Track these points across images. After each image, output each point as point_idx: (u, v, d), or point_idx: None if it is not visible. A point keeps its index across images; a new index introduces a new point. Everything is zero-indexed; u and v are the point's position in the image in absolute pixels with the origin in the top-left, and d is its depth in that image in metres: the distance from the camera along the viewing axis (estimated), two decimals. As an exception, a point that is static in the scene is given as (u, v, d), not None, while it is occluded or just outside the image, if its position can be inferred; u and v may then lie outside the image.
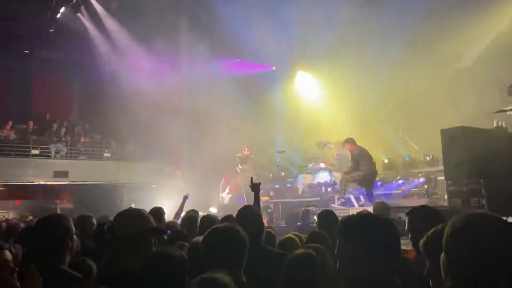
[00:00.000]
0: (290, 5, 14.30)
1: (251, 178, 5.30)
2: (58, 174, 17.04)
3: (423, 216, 2.92)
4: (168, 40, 16.31)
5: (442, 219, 2.72)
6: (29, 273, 2.29)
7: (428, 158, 11.94)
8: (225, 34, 15.81)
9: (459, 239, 1.43)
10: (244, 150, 13.56)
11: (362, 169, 10.26)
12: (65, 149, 18.04)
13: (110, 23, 17.43)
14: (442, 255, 1.53)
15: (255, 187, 5.06)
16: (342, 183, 10.79)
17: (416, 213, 3.00)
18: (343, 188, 10.72)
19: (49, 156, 17.61)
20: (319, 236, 3.89)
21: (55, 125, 18.52)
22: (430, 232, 2.26)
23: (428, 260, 2.27)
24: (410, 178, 12.33)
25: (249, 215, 3.58)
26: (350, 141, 10.48)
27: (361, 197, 11.77)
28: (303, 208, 8.87)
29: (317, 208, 10.29)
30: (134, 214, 2.64)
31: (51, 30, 17.01)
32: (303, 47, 15.42)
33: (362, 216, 1.98)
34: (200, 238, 2.94)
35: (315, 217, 9.66)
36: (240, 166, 13.52)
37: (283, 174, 14.26)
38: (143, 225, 2.54)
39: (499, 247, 1.36)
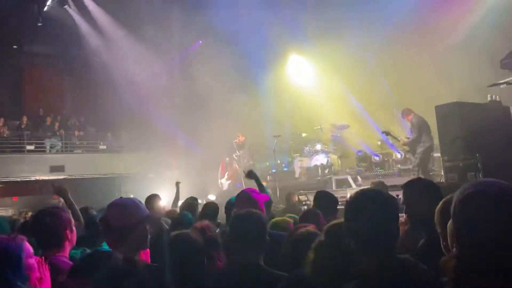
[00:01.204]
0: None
1: (243, 171, 5.28)
2: (54, 169, 16.99)
3: (419, 188, 2.88)
4: (159, 29, 16.14)
5: (439, 191, 2.71)
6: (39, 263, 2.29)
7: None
8: (216, 20, 15.63)
9: (470, 204, 1.40)
10: (239, 136, 13.55)
11: (424, 140, 9.57)
12: (60, 144, 17.96)
13: (98, 14, 17.22)
14: (450, 222, 1.52)
15: (251, 175, 5.04)
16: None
17: (411, 185, 2.95)
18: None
19: (44, 151, 17.54)
20: (311, 215, 3.90)
21: (48, 120, 18.40)
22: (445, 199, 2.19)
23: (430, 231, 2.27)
24: (386, 158, 12.44)
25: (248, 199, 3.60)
26: (407, 111, 9.85)
27: (358, 177, 11.84)
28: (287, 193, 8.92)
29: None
30: (126, 204, 2.60)
31: (39, 24, 16.77)
32: (295, 30, 15.32)
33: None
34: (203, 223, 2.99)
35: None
36: (237, 152, 13.53)
37: (278, 161, 14.24)
38: (136, 214, 2.51)
39: (509, 214, 1.34)
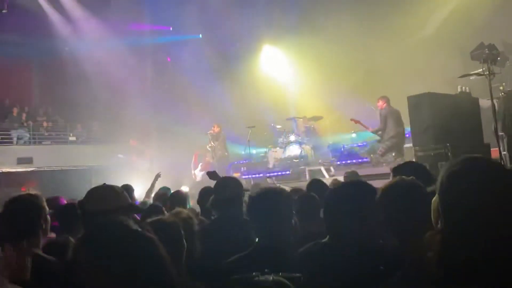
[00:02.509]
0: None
1: (206, 173, 5.23)
2: (22, 161, 16.55)
3: (410, 172, 2.89)
4: (131, 18, 15.87)
5: (429, 174, 2.72)
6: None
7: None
8: (187, 8, 15.45)
9: (458, 180, 1.41)
10: (214, 127, 13.46)
11: (390, 129, 9.89)
12: (28, 135, 17.48)
13: (68, 2, 16.79)
14: (435, 198, 1.52)
15: (213, 176, 5.01)
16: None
17: (401, 168, 2.95)
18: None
19: (11, 143, 17.04)
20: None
21: (15, 110, 17.87)
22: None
23: None
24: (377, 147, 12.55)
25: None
26: (382, 99, 10.12)
27: (331, 168, 11.92)
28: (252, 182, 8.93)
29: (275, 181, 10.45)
30: (105, 190, 2.55)
31: (4, 11, 16.21)
32: (268, 21, 15.29)
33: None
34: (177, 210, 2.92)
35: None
36: (211, 143, 13.43)
37: (254, 152, 14.25)
38: (114, 201, 2.46)
39: (499, 189, 1.36)
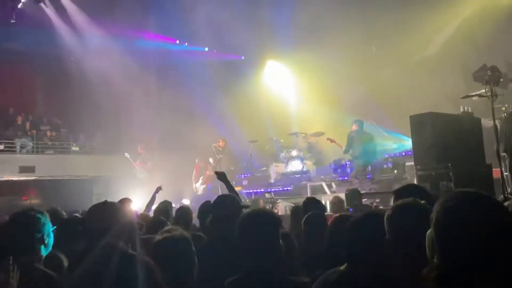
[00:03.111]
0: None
1: (215, 172, 5.25)
2: (24, 169, 16.58)
3: (411, 195, 2.90)
4: (136, 30, 16.01)
5: (430, 197, 2.73)
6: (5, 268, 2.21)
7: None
8: (193, 23, 15.60)
9: (453, 215, 1.43)
10: (219, 142, 13.44)
11: (353, 152, 10.84)
12: (31, 144, 17.54)
13: (75, 13, 16.96)
14: (428, 232, 1.54)
15: (220, 177, 4.97)
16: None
17: (403, 191, 2.95)
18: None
19: (14, 151, 17.09)
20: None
21: (19, 119, 17.95)
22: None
23: None
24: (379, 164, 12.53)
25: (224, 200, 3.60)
26: (356, 122, 11.03)
27: (333, 184, 11.92)
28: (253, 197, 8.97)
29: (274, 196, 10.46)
30: (104, 207, 2.58)
31: (12, 21, 16.39)
32: (272, 37, 15.42)
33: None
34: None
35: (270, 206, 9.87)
36: (217, 156, 13.42)
37: (255, 164, 14.28)
38: (114, 217, 2.49)
39: (493, 226, 1.37)
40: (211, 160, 13.73)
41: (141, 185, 13.71)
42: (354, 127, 11.03)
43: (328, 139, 11.96)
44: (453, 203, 1.45)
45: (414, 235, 1.86)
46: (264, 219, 2.54)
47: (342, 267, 2.31)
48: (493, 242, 1.35)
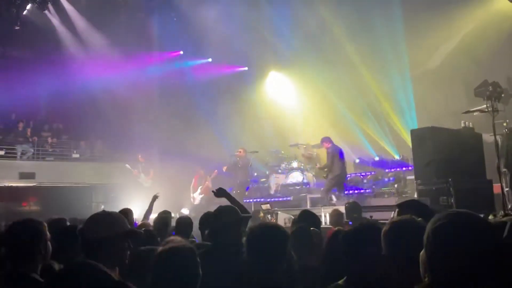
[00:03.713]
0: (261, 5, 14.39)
1: (212, 191, 5.11)
2: (24, 176, 16.56)
3: (413, 210, 2.91)
4: (139, 39, 16.09)
5: (432, 213, 2.74)
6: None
7: (398, 158, 12.06)
8: (197, 34, 15.71)
9: (442, 234, 1.48)
10: (240, 151, 13.28)
11: (334, 169, 10.60)
12: (32, 150, 17.53)
13: (79, 21, 17.08)
14: (422, 251, 1.57)
15: (220, 193, 4.77)
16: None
17: (406, 206, 3.00)
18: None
19: (14, 157, 17.09)
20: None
21: (20, 125, 17.98)
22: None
23: None
24: (380, 177, 12.51)
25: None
26: (326, 139, 10.89)
27: (333, 196, 11.89)
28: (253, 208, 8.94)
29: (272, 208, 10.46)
30: (104, 217, 2.57)
31: (16, 28, 16.51)
32: (275, 48, 15.50)
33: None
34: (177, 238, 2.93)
35: (269, 216, 9.86)
36: (238, 165, 13.33)
37: (255, 174, 14.26)
38: (114, 228, 2.48)
39: (481, 245, 1.41)
40: (224, 169, 13.63)
41: (140, 193, 13.68)
42: (327, 144, 10.87)
43: (303, 155, 11.85)
44: (442, 222, 1.50)
45: (409, 252, 1.89)
46: (276, 233, 2.57)
47: (341, 281, 2.31)
48: (479, 261, 1.39)
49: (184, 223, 5.23)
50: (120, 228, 2.48)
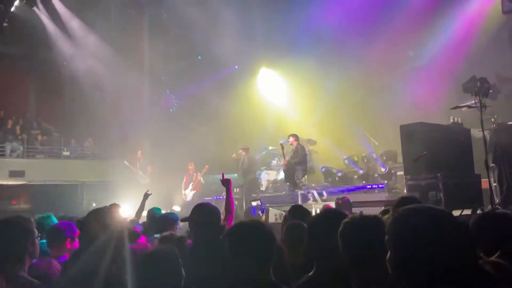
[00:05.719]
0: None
1: (222, 173, 5.22)
2: (14, 174, 16.45)
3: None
4: (129, 36, 16.02)
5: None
6: None
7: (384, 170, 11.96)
8: (187, 31, 15.66)
9: (397, 225, 1.56)
10: (240, 151, 13.18)
11: (299, 166, 11.12)
12: (21, 148, 17.40)
13: (68, 18, 16.96)
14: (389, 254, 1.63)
15: (225, 183, 4.96)
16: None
17: (402, 205, 3.00)
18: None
19: (4, 155, 16.95)
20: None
21: (10, 122, 17.82)
22: None
23: None
24: (371, 173, 12.58)
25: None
26: (294, 137, 11.29)
27: (324, 192, 11.94)
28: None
29: (262, 204, 10.46)
30: (104, 212, 2.62)
31: (4, 24, 16.33)
32: (266, 44, 15.50)
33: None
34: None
35: (260, 212, 9.87)
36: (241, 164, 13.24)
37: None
38: (113, 224, 2.53)
39: (434, 234, 1.47)
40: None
41: (132, 190, 13.62)
42: (293, 141, 11.24)
43: (281, 144, 11.92)
44: (397, 214, 1.60)
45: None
46: (259, 231, 2.45)
47: (310, 273, 2.36)
48: (437, 253, 1.46)
49: (168, 221, 5.15)
50: (117, 225, 2.56)
